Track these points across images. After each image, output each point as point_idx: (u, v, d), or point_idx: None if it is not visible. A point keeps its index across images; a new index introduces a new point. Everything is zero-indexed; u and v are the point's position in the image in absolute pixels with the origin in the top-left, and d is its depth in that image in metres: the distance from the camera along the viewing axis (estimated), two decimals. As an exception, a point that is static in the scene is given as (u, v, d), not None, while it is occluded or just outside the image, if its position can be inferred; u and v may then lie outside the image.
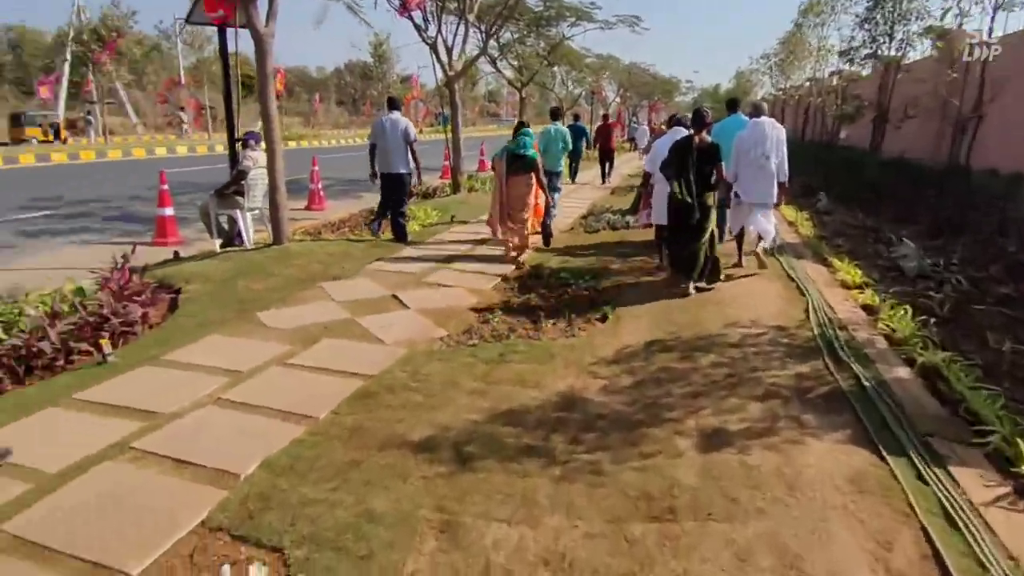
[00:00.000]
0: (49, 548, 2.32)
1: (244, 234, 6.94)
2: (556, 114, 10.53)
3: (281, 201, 6.72)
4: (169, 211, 8.22)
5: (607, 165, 15.37)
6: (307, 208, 11.67)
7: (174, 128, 38.86)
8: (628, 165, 20.77)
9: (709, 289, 5.74)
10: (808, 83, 21.96)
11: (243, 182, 6.73)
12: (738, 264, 6.57)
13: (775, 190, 6.13)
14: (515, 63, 15.99)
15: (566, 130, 10.13)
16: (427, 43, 11.17)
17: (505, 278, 6.37)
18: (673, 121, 7.06)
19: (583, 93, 32.16)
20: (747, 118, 6.54)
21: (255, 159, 6.73)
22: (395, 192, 7.71)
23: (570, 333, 4.87)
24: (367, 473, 2.85)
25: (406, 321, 4.99)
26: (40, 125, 28.93)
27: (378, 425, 3.28)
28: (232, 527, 2.49)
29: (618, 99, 35.19)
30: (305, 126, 51.28)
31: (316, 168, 11.73)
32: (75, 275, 5.61)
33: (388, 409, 3.47)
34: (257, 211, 7.11)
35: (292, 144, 30.00)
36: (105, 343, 4.07)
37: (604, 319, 5.14)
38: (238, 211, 6.87)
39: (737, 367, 3.98)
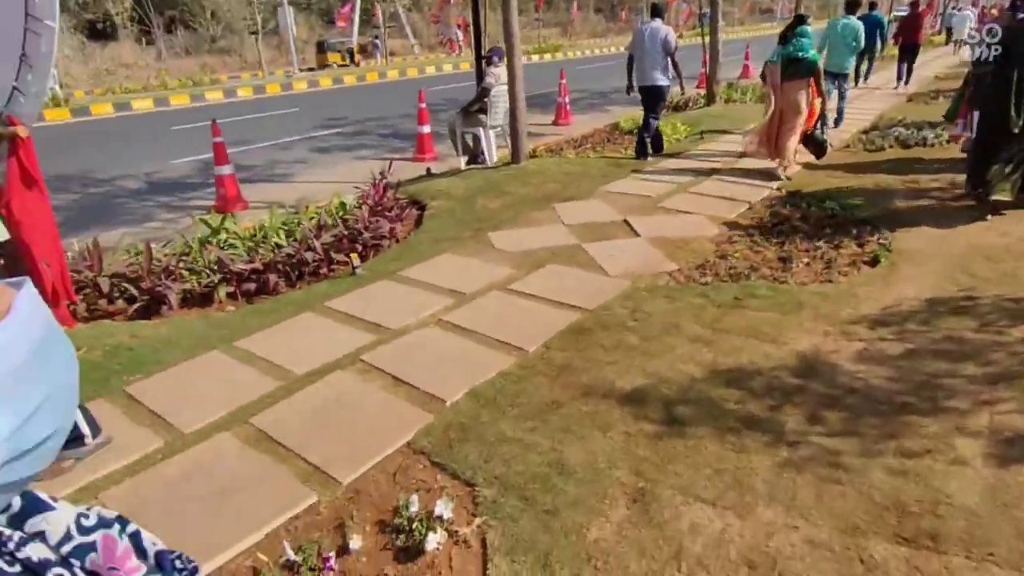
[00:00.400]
0: (284, 446, 2.61)
1: (486, 152, 7.10)
2: (852, 6, 8.97)
3: (521, 119, 6.68)
4: (427, 128, 8.77)
5: (908, 63, 12.64)
6: (554, 123, 11.65)
7: (444, 47, 41.71)
8: (935, 64, 16.90)
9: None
10: None
11: (486, 100, 6.80)
12: None
13: None
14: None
15: (858, 24, 8.60)
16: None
17: (753, 206, 5.60)
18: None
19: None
20: None
21: (498, 76, 6.72)
22: (652, 105, 7.22)
23: (827, 277, 4.09)
24: (567, 418, 2.70)
25: (634, 250, 4.65)
26: (339, 51, 33.06)
27: (587, 366, 3.10)
28: (432, 453, 2.55)
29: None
30: (563, 36, 51.31)
31: (563, 81, 11.54)
32: (344, 189, 6.29)
33: (600, 349, 3.26)
34: (499, 128, 7.19)
35: (547, 56, 30.14)
36: (354, 257, 4.47)
37: (875, 262, 4.22)
38: (481, 129, 7.01)
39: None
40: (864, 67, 12.51)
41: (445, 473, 2.45)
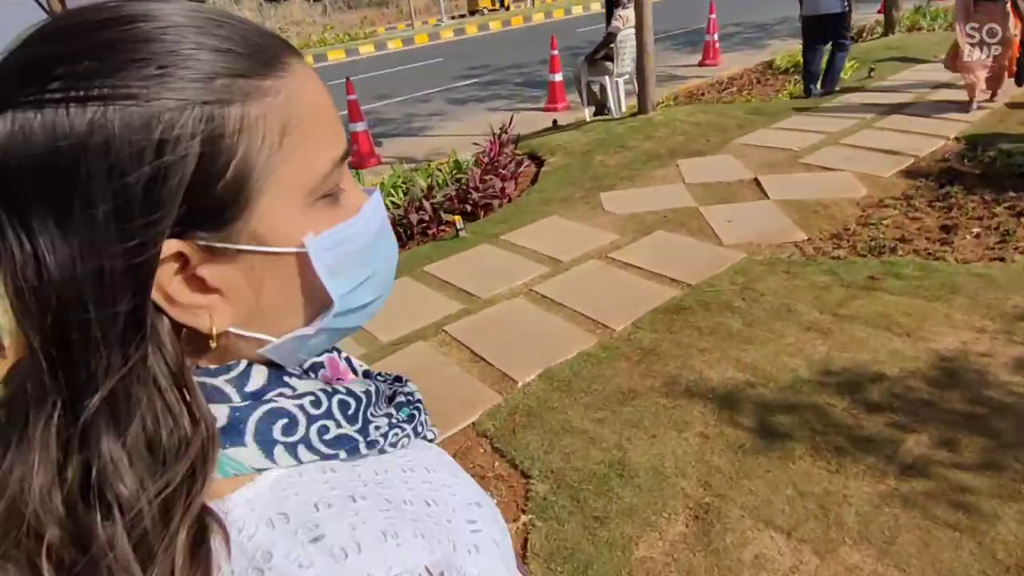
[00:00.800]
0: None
1: (613, 102, 6.66)
2: None
3: (648, 65, 6.15)
4: (558, 77, 8.43)
5: None
6: (700, 63, 10.73)
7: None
8: None
9: None
10: None
11: (612, 46, 6.33)
12: None
13: None
14: None
15: None
16: None
17: (920, 160, 4.73)
18: None
19: None
20: None
21: (626, 19, 6.20)
22: (829, 36, 6.45)
23: (999, 254, 3.37)
24: (641, 411, 2.48)
25: (759, 215, 4.14)
26: (490, -6, 32.85)
27: (675, 351, 2.82)
28: (495, 437, 2.47)
29: None
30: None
31: (713, 16, 10.51)
32: (471, 143, 6.25)
33: (694, 332, 2.95)
34: (628, 76, 6.70)
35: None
36: (457, 219, 4.43)
37: (1069, 237, 3.40)
38: (607, 78, 6.57)
39: None
40: None
41: (504, 460, 2.36)
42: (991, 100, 5.74)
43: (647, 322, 3.08)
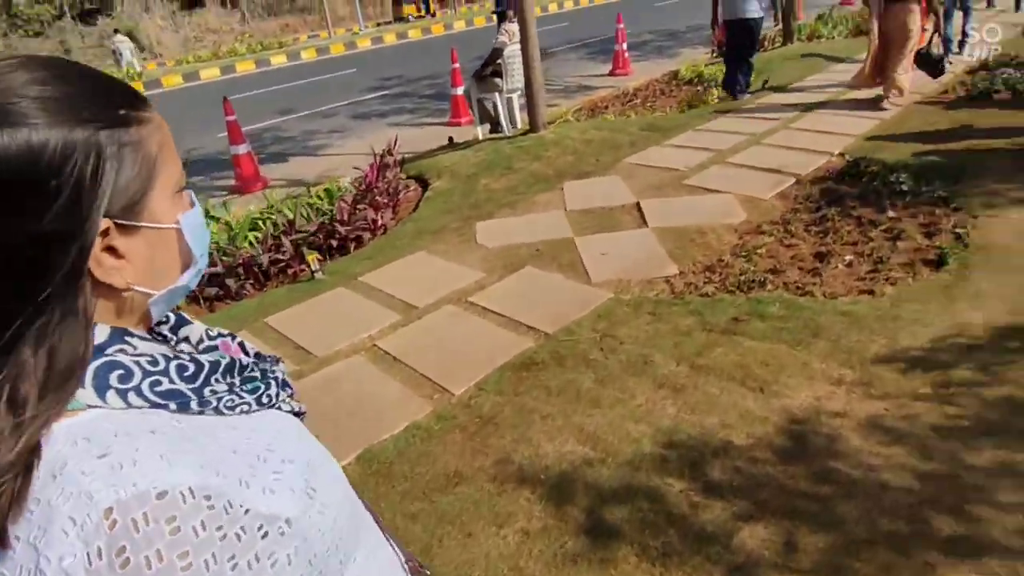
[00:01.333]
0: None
1: (504, 120, 6.37)
2: None
3: (536, 80, 5.87)
4: (460, 90, 8.10)
5: None
6: (610, 73, 10.62)
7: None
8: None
9: None
10: None
11: (499, 62, 6.04)
12: None
13: None
14: None
15: None
16: None
17: (802, 179, 4.61)
18: None
19: None
20: None
21: (512, 33, 5.93)
22: (743, 41, 6.68)
23: (868, 286, 3.21)
24: (462, 500, 2.15)
25: (634, 246, 3.90)
26: (414, 1, 32.36)
27: (516, 420, 2.50)
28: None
29: None
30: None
31: (621, 26, 10.41)
32: (356, 166, 5.84)
33: (542, 394, 2.64)
34: (519, 91, 6.42)
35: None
36: (312, 259, 4.01)
37: (940, 263, 3.28)
38: (497, 95, 6.28)
39: None
40: None
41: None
42: (901, 96, 5.92)
43: (493, 383, 2.75)
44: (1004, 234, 3.45)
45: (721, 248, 3.79)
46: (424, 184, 5.72)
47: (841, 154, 4.98)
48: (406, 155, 6.56)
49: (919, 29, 5.79)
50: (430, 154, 6.50)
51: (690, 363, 2.70)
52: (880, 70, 5.93)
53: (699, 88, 8.34)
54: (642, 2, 23.71)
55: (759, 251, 3.68)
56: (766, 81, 7.40)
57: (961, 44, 7.92)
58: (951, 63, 6.53)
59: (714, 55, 10.23)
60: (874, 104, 5.97)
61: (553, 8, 22.90)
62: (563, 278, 3.61)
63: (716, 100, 7.25)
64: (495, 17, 6.31)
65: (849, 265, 3.44)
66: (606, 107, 8.11)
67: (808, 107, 6.32)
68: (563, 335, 3.03)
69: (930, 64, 6.10)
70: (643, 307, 3.20)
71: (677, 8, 19.18)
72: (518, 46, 5.90)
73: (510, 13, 5.97)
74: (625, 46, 10.59)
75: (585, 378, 2.70)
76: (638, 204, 4.47)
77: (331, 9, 34.00)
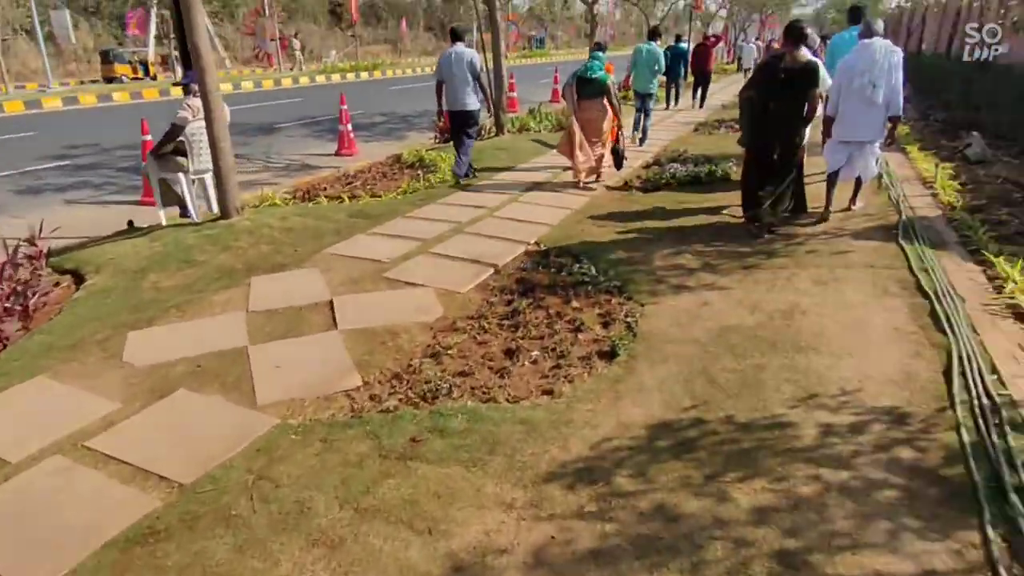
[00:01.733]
0: None
1: (191, 205, 5.60)
2: (654, 34, 10.40)
3: (225, 160, 5.28)
4: (149, 166, 7.04)
5: (701, 89, 14.35)
6: (337, 153, 10.33)
7: (260, 61, 38.65)
8: (730, 90, 17.90)
9: (778, 229, 5.08)
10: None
11: (182, 139, 5.33)
12: (825, 211, 5.44)
13: (882, 127, 5.10)
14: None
15: (659, 51, 9.93)
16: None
17: (500, 269, 4.68)
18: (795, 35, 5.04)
19: (685, 7, 28.37)
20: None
21: (196, 109, 5.28)
22: (466, 129, 7.33)
23: (551, 383, 3.18)
24: None
25: (318, 354, 3.47)
26: (129, 62, 29.13)
27: (105, 629, 1.83)
28: None
29: (722, 12, 30.88)
30: (393, 53, 50.22)
31: (345, 107, 10.24)
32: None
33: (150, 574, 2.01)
34: (210, 171, 5.73)
35: (364, 75, 28.76)
36: None
37: (612, 354, 3.40)
38: (181, 175, 5.52)
39: (809, 521, 2.17)
40: (673, 91, 14.23)
41: None
42: (596, 181, 7.05)
43: (88, 568, 2.04)
44: (663, 320, 3.75)
45: (413, 350, 3.55)
46: (81, 281, 4.67)
47: (537, 243, 5.21)
48: (71, 241, 5.40)
49: (609, 124, 6.85)
50: (97, 242, 5.42)
51: (355, 505, 2.31)
52: (575, 156, 6.82)
53: (419, 172, 8.44)
54: (379, 85, 24.40)
55: (451, 351, 3.51)
56: (474, 171, 7.72)
57: (641, 140, 9.72)
58: (625, 158, 7.54)
59: (437, 141, 10.60)
60: (578, 187, 6.84)
61: (248, 87, 22.15)
62: (223, 402, 3.01)
63: (433, 185, 7.35)
64: (183, 89, 5.59)
65: (535, 362, 3.42)
66: (324, 188, 7.73)
67: (513, 195, 6.67)
68: (205, 484, 2.43)
69: (617, 156, 7.33)
70: (314, 433, 2.76)
71: (411, 93, 19.98)
72: (203, 123, 5.25)
73: (194, 86, 5.33)
74: (350, 127, 10.45)
75: (220, 545, 2.14)
76: (331, 302, 4.08)
77: (21, 62, 29.07)
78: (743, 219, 5.30)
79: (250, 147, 11.01)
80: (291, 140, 11.92)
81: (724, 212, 5.80)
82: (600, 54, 7.00)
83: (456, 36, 7.30)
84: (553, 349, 3.52)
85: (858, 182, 5.50)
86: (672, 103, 14.45)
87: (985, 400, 2.64)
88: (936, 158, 7.35)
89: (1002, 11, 11.94)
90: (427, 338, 3.69)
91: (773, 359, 3.18)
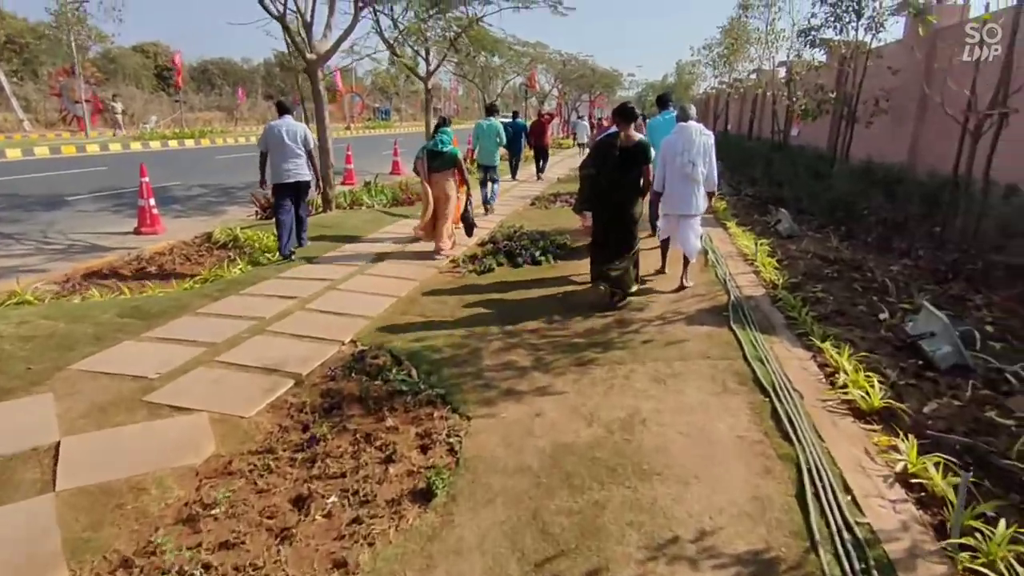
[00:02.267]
0: None
1: None
2: (491, 110, 10.85)
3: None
4: None
5: (541, 162, 15.35)
6: (136, 231, 8.92)
7: (68, 124, 34.75)
8: (566, 163, 18.67)
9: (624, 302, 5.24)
10: (754, 74, 20.08)
11: None
12: (661, 271, 6.24)
13: (703, 201, 5.54)
14: (418, 48, 13.28)
15: (499, 124, 10.34)
16: (275, 17, 8.52)
17: (304, 381, 3.88)
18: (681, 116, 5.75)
19: (520, 85, 29.79)
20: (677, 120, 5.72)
21: None
22: (285, 203, 6.99)
23: (346, 546, 2.44)
24: None
25: (8, 535, 2.45)
26: None
27: None
28: None
29: (555, 91, 32.91)
30: (228, 120, 47.81)
31: (146, 179, 8.91)
32: None
33: None
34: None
35: (189, 142, 26.71)
36: None
37: (429, 494, 2.74)
38: None
39: None
40: (513, 163, 14.67)
41: None
42: (449, 249, 7.10)
43: None
44: (491, 438, 3.18)
45: (162, 514, 2.64)
46: None
47: (353, 341, 4.50)
48: None
49: (456, 194, 7.04)
50: None
51: None
52: (432, 227, 7.01)
53: (231, 253, 7.43)
54: (206, 153, 22.62)
55: (216, 510, 2.64)
56: (292, 252, 6.91)
57: (487, 210, 9.92)
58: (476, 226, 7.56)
59: (259, 216, 9.59)
60: (427, 258, 6.74)
61: (42, 152, 19.67)
62: None
63: (244, 270, 6.40)
64: None
65: (329, 515, 2.66)
66: (106, 276, 6.47)
67: (332, 280, 5.94)
68: None
69: (467, 224, 7.58)
70: None
71: (240, 163, 18.59)
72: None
73: None
74: (152, 201, 9.12)
75: None
76: (58, 445, 3.04)
77: None
78: (590, 284, 5.39)
79: (23, 224, 9.29)
80: (82, 216, 10.26)
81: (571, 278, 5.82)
82: (448, 129, 7.17)
83: (284, 109, 7.19)
84: (356, 492, 2.79)
85: (685, 261, 5.69)
86: (513, 176, 14.85)
87: (847, 534, 2.30)
88: (753, 234, 7.73)
89: (793, 99, 13.55)
90: (187, 491, 2.80)
91: (614, 491, 2.69)
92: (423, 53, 13.36)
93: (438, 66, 13.33)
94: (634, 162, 4.91)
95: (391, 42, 12.87)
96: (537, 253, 6.87)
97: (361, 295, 5.57)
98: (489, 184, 9.96)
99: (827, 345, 4.00)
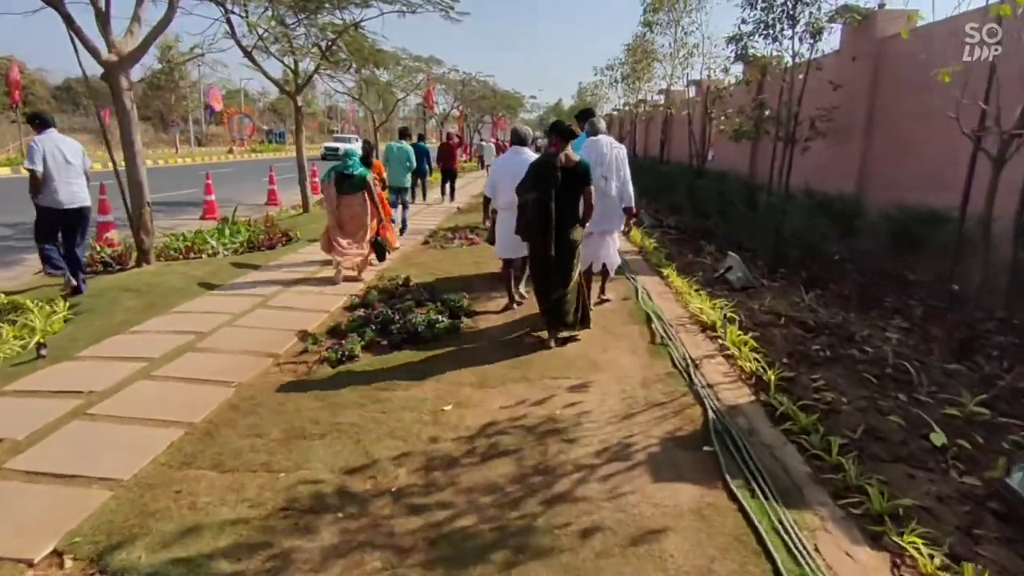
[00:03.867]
0: None
1: None
2: (404, 133, 10.93)
3: None
4: None
5: (449, 184, 15.10)
6: None
7: None
8: (470, 187, 16.98)
9: (574, 339, 4.76)
10: (661, 95, 19.19)
11: None
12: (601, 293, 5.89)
13: (619, 217, 5.46)
14: (283, 58, 11.03)
15: (409, 148, 10.28)
16: (48, 2, 6.13)
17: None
18: (514, 138, 5.78)
19: (417, 105, 27.91)
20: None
21: None
22: (80, 231, 6.19)
23: None
24: None
25: None
26: None
27: None
28: None
29: (456, 112, 31.20)
30: (97, 144, 42.81)
31: None
32: None
33: None
34: None
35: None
36: None
37: None
38: None
39: None
40: (420, 186, 14.25)
41: None
42: (361, 272, 6.83)
43: None
44: None
45: None
46: None
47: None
48: None
49: (368, 218, 6.73)
50: None
51: None
52: (342, 255, 6.60)
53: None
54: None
55: None
56: (41, 346, 4.55)
57: (401, 231, 9.46)
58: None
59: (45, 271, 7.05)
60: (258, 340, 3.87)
61: None
62: None
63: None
64: None
65: None
66: None
67: (83, 400, 3.68)
68: None
69: (378, 248, 7.27)
70: None
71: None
72: None
73: None
74: None
75: None
76: None
77: None
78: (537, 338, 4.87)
79: None
80: None
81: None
82: (356, 151, 7.04)
83: (45, 122, 5.96)
84: None
85: (604, 272, 5.65)
86: (423, 197, 14.62)
87: None
88: (698, 286, 6.12)
89: (712, 119, 12.40)
90: None
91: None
92: (291, 64, 11.15)
93: (308, 79, 11.16)
94: (576, 184, 4.53)
95: (248, 50, 10.59)
96: (421, 325, 4.90)
97: (116, 448, 3.34)
98: (400, 207, 9.81)
99: (923, 554, 2.23)
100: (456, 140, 17.29)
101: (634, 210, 5.56)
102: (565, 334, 4.79)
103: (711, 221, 9.87)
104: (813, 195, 7.94)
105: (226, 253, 8.31)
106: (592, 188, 4.59)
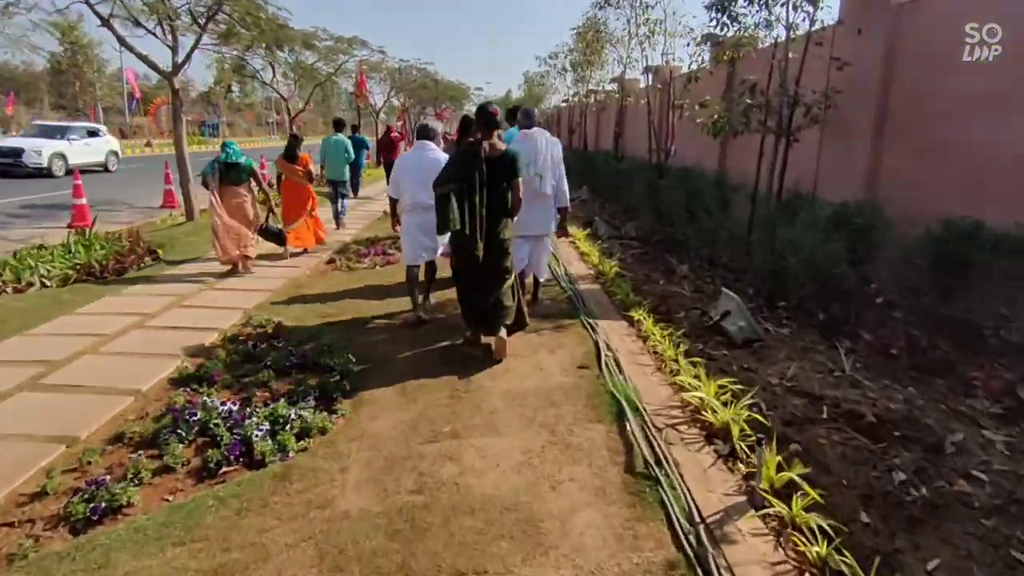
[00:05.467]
0: None
1: None
2: (339, 125, 10.59)
3: None
4: None
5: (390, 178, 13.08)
6: None
7: None
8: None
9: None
10: (613, 83, 17.51)
11: None
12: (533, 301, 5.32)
13: (553, 219, 5.06)
14: (155, 31, 8.80)
15: (346, 140, 9.99)
16: None
17: None
18: (419, 132, 5.23)
19: (349, 93, 25.58)
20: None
21: None
22: None
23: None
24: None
25: None
26: None
27: None
28: None
29: (396, 103, 28.82)
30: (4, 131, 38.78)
31: None
32: None
33: None
34: None
35: None
36: None
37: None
38: None
39: None
40: (354, 180, 13.09)
41: None
42: (247, 264, 6.64)
43: None
44: None
45: None
46: None
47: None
48: None
49: (252, 210, 6.61)
50: None
51: None
52: (227, 244, 6.41)
53: None
54: None
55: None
56: None
57: (338, 224, 9.54)
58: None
59: None
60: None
61: None
62: None
63: None
64: None
65: None
66: None
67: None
68: None
69: (273, 235, 7.15)
70: None
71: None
72: None
73: None
74: None
75: None
76: None
77: None
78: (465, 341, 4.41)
79: None
80: None
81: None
82: (233, 143, 6.61)
83: None
84: None
85: (536, 283, 5.40)
86: (355, 193, 13.36)
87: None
88: (684, 338, 4.34)
89: (673, 108, 10.77)
90: None
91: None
92: (167, 38, 8.93)
93: (188, 57, 8.98)
94: (502, 176, 4.01)
95: (105, 17, 8.34)
96: (257, 433, 2.97)
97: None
98: (339, 199, 9.64)
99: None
100: (398, 133, 15.42)
101: (569, 209, 5.22)
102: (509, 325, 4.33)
103: (676, 228, 8.18)
104: (818, 203, 6.32)
105: (49, 284, 6.15)
106: (521, 180, 4.11)
